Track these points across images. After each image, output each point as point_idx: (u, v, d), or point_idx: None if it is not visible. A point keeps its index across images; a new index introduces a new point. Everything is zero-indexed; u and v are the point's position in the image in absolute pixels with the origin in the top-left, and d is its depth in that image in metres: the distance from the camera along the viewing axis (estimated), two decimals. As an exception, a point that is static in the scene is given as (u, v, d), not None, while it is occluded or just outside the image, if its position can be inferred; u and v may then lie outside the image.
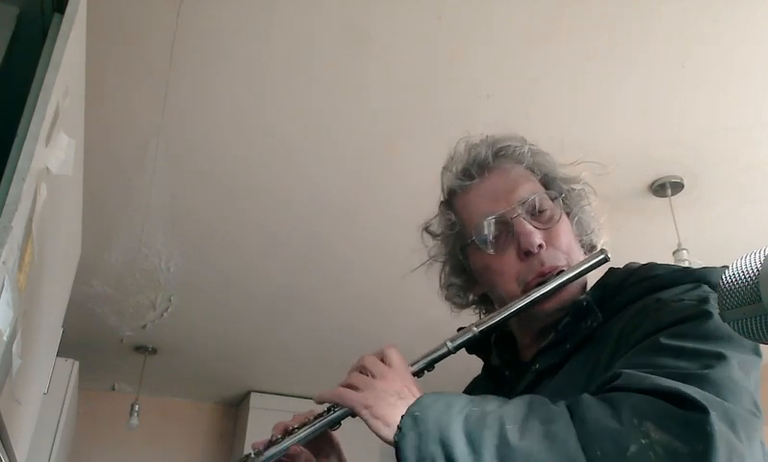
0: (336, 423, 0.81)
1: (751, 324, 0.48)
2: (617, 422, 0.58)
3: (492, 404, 0.67)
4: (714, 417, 0.55)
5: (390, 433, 0.68)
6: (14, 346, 0.95)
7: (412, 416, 0.67)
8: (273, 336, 3.48)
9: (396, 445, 0.66)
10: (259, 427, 4.09)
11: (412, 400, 0.71)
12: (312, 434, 0.82)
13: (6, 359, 0.91)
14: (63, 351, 2.08)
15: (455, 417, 0.66)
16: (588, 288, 0.83)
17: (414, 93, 1.84)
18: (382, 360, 0.77)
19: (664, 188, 2.17)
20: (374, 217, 2.41)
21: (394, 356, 0.78)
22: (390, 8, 1.59)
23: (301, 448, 0.84)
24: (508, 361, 0.89)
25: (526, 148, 0.88)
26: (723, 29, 1.62)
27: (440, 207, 0.95)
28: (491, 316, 0.81)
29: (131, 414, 3.85)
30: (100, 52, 1.65)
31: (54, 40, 0.99)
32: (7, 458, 1.14)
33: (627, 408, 0.58)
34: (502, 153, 0.88)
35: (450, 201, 0.93)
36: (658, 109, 1.87)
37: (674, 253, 2.12)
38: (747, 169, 2.10)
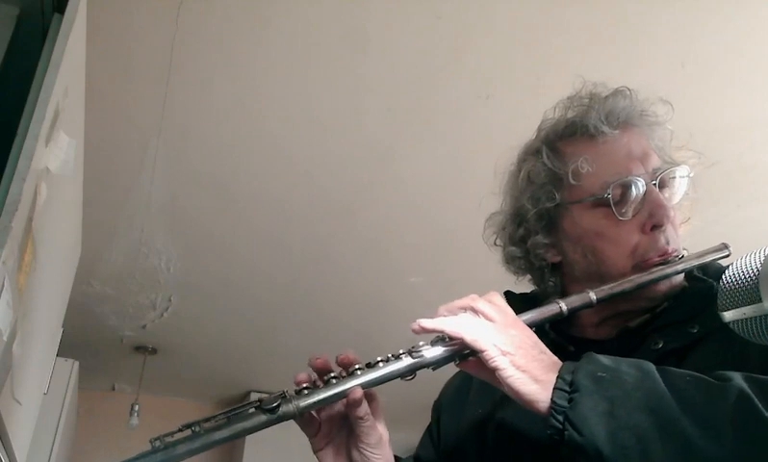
0: (412, 372, 0.64)
1: (751, 324, 0.48)
2: None
3: (695, 373, 0.57)
4: None
5: (539, 392, 0.57)
6: (14, 346, 0.95)
7: (592, 375, 0.56)
8: (273, 336, 3.48)
9: (561, 410, 0.55)
10: (259, 427, 4.08)
11: (555, 358, 0.61)
12: (382, 380, 0.64)
13: (6, 359, 0.91)
14: (63, 351, 2.09)
15: (660, 382, 0.55)
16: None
17: (414, 93, 1.84)
18: None
19: (664, 188, 2.17)
20: (374, 217, 2.41)
21: (506, 305, 0.66)
22: (390, 8, 1.59)
23: (363, 394, 0.65)
24: (570, 337, 0.79)
25: (660, 117, 0.81)
26: (723, 29, 1.62)
27: (547, 149, 0.79)
28: (612, 285, 0.71)
29: (131, 414, 3.85)
30: (100, 52, 1.65)
31: (54, 40, 0.99)
32: (7, 458, 1.14)
33: None
34: (645, 113, 0.79)
35: (565, 144, 0.78)
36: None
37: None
38: (747, 169, 2.10)
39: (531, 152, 0.82)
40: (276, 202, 2.34)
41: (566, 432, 0.55)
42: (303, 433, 0.72)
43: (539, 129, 0.84)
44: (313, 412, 0.69)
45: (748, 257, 0.49)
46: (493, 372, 0.60)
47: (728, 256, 0.75)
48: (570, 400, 0.55)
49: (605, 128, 0.75)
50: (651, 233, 0.73)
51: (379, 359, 0.65)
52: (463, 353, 0.64)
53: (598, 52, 1.70)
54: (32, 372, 1.29)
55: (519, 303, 0.72)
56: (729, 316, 0.50)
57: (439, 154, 2.06)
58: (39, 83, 0.94)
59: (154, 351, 3.72)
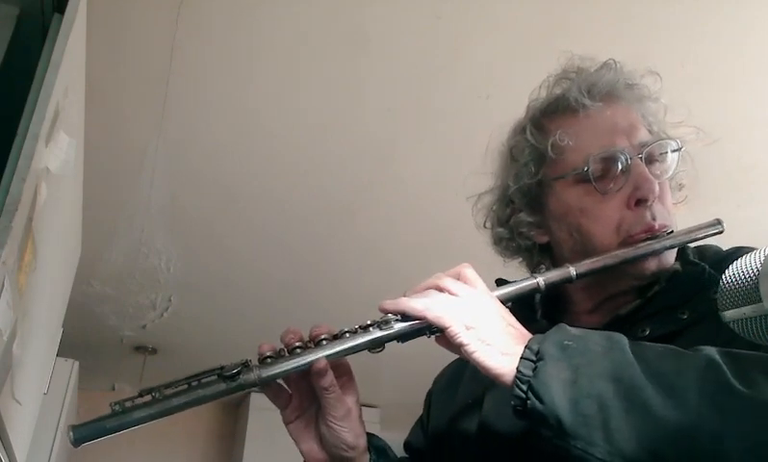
0: (380, 345, 0.64)
1: (751, 324, 0.48)
2: None
3: (668, 346, 0.56)
4: None
5: (506, 363, 0.56)
6: (14, 346, 0.95)
7: (558, 344, 0.55)
8: (273, 336, 3.48)
9: (525, 379, 0.54)
10: (259, 428, 4.09)
11: (524, 330, 0.60)
12: (348, 351, 0.63)
13: (6, 359, 0.91)
14: (63, 351, 2.09)
15: (628, 352, 0.54)
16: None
17: (414, 93, 1.84)
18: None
19: (664, 188, 2.16)
20: (374, 217, 2.41)
21: (476, 277, 0.65)
22: (390, 8, 1.59)
23: (328, 365, 0.64)
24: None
25: (649, 91, 0.79)
26: (723, 29, 1.62)
27: (531, 126, 0.78)
28: (593, 259, 0.69)
29: (131, 414, 3.85)
30: (100, 52, 1.65)
31: (54, 40, 0.99)
32: (7, 458, 1.14)
33: None
34: (631, 86, 0.78)
35: (549, 120, 0.77)
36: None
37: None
38: (747, 169, 2.10)
39: (518, 130, 0.81)
40: (276, 202, 2.34)
41: (528, 401, 0.53)
42: None
43: (527, 108, 0.83)
44: (282, 383, 0.69)
45: (748, 257, 0.49)
46: (459, 347, 0.59)
47: (720, 232, 0.73)
48: (534, 369, 0.54)
49: (587, 101, 0.74)
50: (635, 208, 0.70)
51: (346, 330, 0.65)
52: (432, 328, 0.63)
53: (598, 52, 1.69)
54: (32, 372, 1.29)
55: None
56: (729, 316, 0.50)
57: (439, 154, 2.06)
58: (39, 83, 0.94)
59: (154, 351, 3.72)
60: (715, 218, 0.74)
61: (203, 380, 0.62)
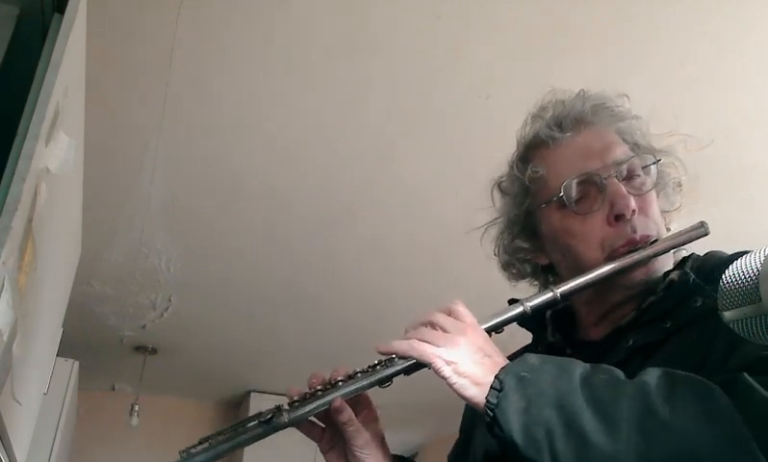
0: (388, 380, 0.72)
1: (751, 324, 0.48)
2: None
3: (617, 372, 0.61)
4: None
5: (479, 394, 0.62)
6: (15, 346, 0.95)
7: (516, 375, 0.61)
8: (273, 336, 3.49)
9: (491, 407, 0.60)
10: (259, 427, 4.08)
11: (501, 359, 0.65)
12: (360, 389, 0.73)
13: (6, 359, 0.91)
14: (63, 351, 2.09)
15: (576, 380, 0.59)
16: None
17: (414, 93, 1.84)
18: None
19: (664, 188, 2.16)
20: (374, 217, 2.41)
21: (465, 312, 0.71)
22: (389, 8, 1.59)
23: (344, 403, 0.74)
24: (569, 340, 0.82)
25: (624, 109, 0.83)
26: (723, 29, 1.62)
27: (517, 161, 0.85)
28: (574, 279, 0.74)
29: (131, 414, 3.85)
30: (100, 52, 1.65)
31: (54, 40, 0.99)
32: (7, 458, 1.14)
33: None
34: (599, 110, 0.82)
35: (531, 154, 0.84)
36: (658, 109, 1.87)
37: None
38: (747, 170, 2.10)
39: (509, 166, 0.88)
40: (276, 201, 2.34)
41: (494, 428, 0.60)
42: (298, 436, 0.80)
43: (516, 143, 0.89)
44: (314, 420, 0.78)
45: (748, 257, 0.49)
46: (444, 380, 0.66)
47: (705, 234, 0.75)
48: (497, 398, 0.61)
49: (556, 133, 0.80)
50: (615, 224, 0.75)
51: (358, 371, 0.74)
52: None
53: (598, 52, 1.70)
54: (32, 372, 1.29)
55: None
56: (729, 316, 0.50)
57: (439, 154, 2.06)
58: (39, 83, 0.94)
59: (154, 351, 3.72)
60: (699, 222, 0.76)
61: (246, 425, 0.75)
